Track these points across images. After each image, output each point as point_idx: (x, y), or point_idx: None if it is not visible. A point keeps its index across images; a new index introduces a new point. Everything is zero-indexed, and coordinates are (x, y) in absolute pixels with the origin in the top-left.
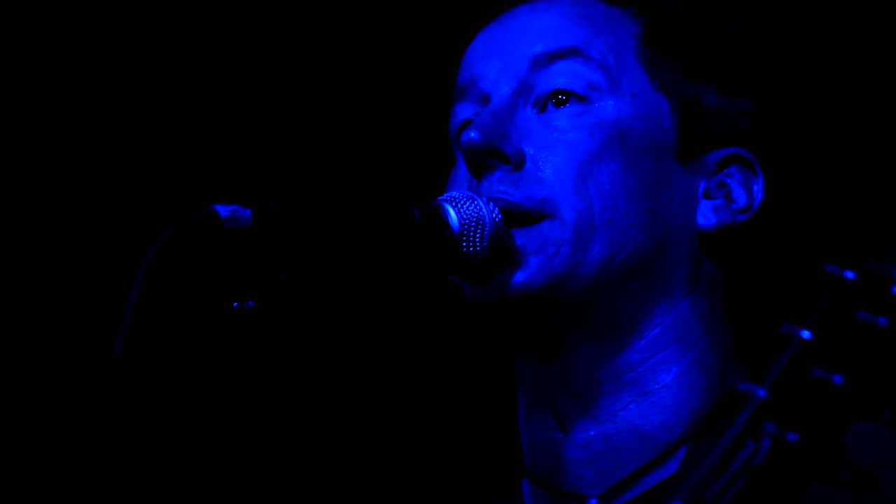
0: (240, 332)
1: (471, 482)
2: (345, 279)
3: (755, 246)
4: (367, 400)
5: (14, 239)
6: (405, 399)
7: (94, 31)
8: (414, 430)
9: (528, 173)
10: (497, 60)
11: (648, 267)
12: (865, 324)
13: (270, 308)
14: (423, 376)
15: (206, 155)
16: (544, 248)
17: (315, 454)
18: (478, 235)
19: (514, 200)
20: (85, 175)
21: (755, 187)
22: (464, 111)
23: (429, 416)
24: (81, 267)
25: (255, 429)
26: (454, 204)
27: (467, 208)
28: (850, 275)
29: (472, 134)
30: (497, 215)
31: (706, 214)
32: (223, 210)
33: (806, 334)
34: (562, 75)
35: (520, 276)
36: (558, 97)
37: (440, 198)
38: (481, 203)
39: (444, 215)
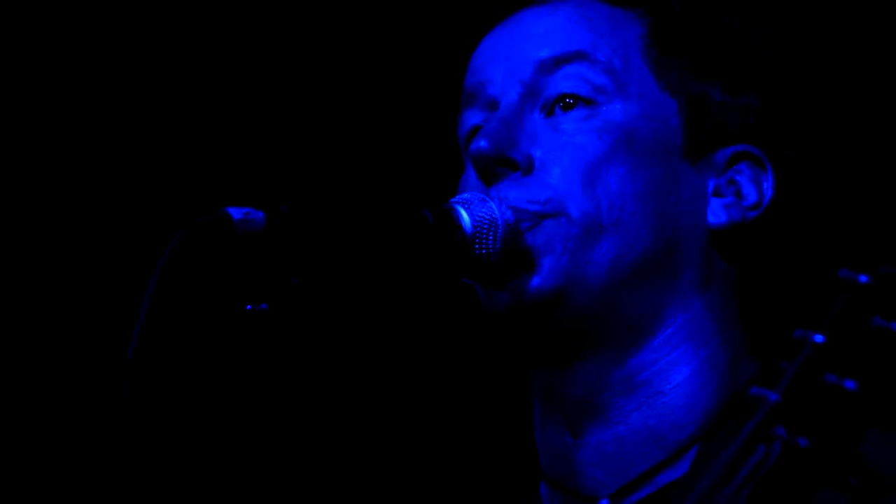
0: (252, 335)
1: (490, 486)
2: (357, 282)
3: (767, 243)
4: (382, 403)
5: (29, 241)
6: (421, 402)
7: (110, 38)
8: (431, 433)
9: (537, 178)
10: (503, 65)
11: (659, 267)
12: (880, 329)
13: (283, 310)
14: (439, 379)
15: (219, 157)
16: (552, 246)
17: (329, 456)
18: (490, 237)
19: (523, 206)
20: (99, 178)
21: (765, 184)
22: (472, 117)
23: (446, 419)
24: (95, 269)
25: (267, 431)
26: (466, 206)
27: (479, 210)
28: (864, 279)
29: (482, 143)
30: (509, 217)
31: (716, 212)
32: (236, 212)
33: (819, 338)
34: (568, 79)
35: (533, 281)
36: (565, 101)
37: (452, 200)
38: (493, 205)
39: (457, 217)
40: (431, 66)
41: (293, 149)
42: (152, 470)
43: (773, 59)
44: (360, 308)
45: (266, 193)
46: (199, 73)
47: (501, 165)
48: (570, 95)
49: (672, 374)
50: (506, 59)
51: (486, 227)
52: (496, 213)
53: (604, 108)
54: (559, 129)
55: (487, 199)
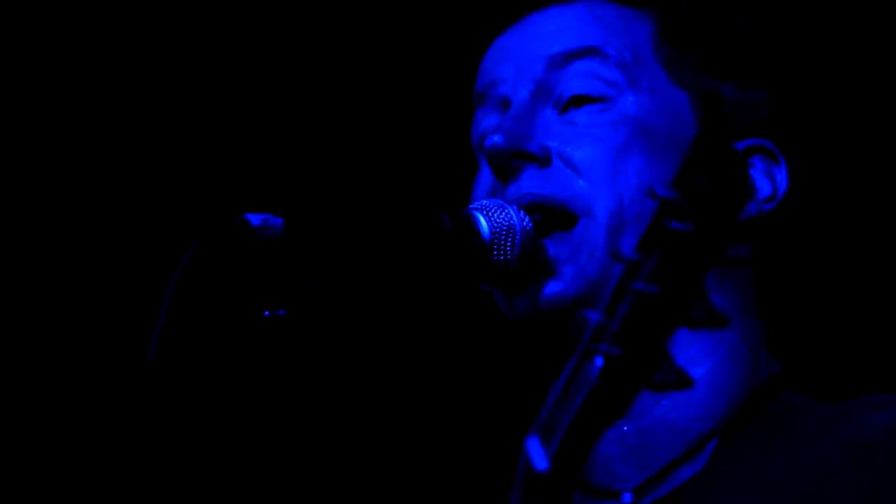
0: (271, 341)
1: (507, 485)
2: (375, 288)
3: (782, 235)
4: (398, 407)
5: (50, 249)
6: (437, 405)
7: (132, 50)
8: (449, 435)
9: (557, 168)
10: (514, 64)
11: None
12: (676, 232)
13: (301, 316)
14: (455, 382)
15: (239, 163)
16: (578, 256)
17: (346, 460)
18: (509, 243)
19: (546, 194)
20: (120, 186)
21: (779, 177)
22: (484, 117)
23: (463, 421)
24: (115, 275)
25: (285, 435)
26: (485, 212)
27: (498, 216)
28: (665, 194)
29: (496, 138)
30: (528, 224)
31: None
32: (254, 219)
33: (635, 257)
34: (580, 75)
35: (554, 287)
36: (578, 97)
37: (470, 206)
38: (512, 211)
39: (475, 224)
40: (447, 71)
41: (311, 155)
42: (171, 473)
43: (782, 54)
44: (377, 314)
45: (284, 199)
46: (220, 82)
47: (517, 159)
48: (584, 96)
49: (693, 368)
50: (516, 57)
51: (504, 233)
52: (515, 219)
53: (617, 102)
54: (574, 122)
55: (506, 205)
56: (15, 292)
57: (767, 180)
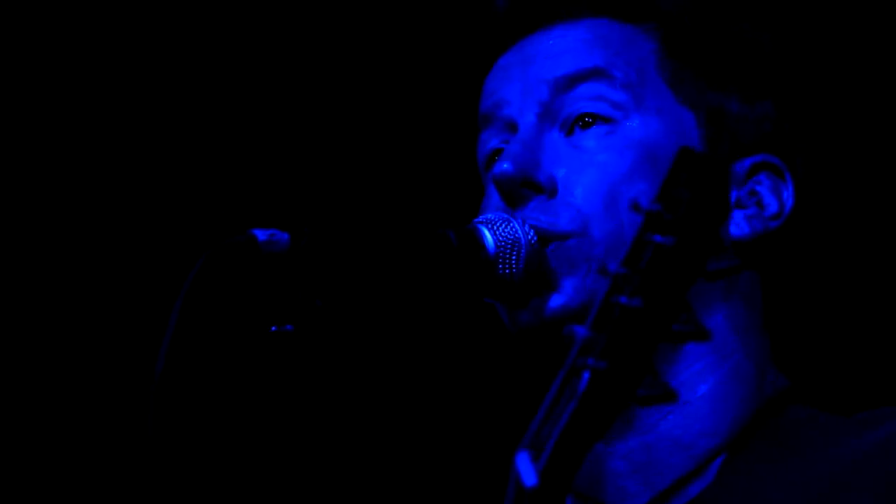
0: (277, 356)
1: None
2: (381, 302)
3: (789, 251)
4: (406, 422)
5: (59, 263)
6: (444, 420)
7: (138, 66)
8: (455, 450)
9: (561, 199)
10: (519, 85)
11: None
12: (658, 245)
13: (308, 331)
14: (461, 396)
15: (245, 179)
16: (576, 267)
17: (352, 473)
18: (514, 257)
19: (545, 227)
20: (127, 202)
21: (785, 193)
22: (490, 139)
23: (470, 437)
24: (122, 290)
25: (292, 451)
26: (490, 226)
27: (503, 230)
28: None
29: (505, 165)
30: (532, 237)
31: (739, 224)
32: (261, 234)
33: (621, 270)
34: (586, 97)
35: (556, 300)
36: (585, 119)
37: (476, 220)
38: (517, 225)
39: (480, 237)
40: (454, 86)
41: (318, 170)
42: (178, 488)
43: (785, 65)
44: (383, 330)
45: (291, 215)
46: (229, 97)
47: (526, 187)
48: (590, 115)
49: (698, 385)
50: (521, 79)
51: (509, 247)
52: (519, 233)
53: (624, 125)
54: (580, 146)
55: (511, 219)
56: (23, 307)
57: (774, 197)
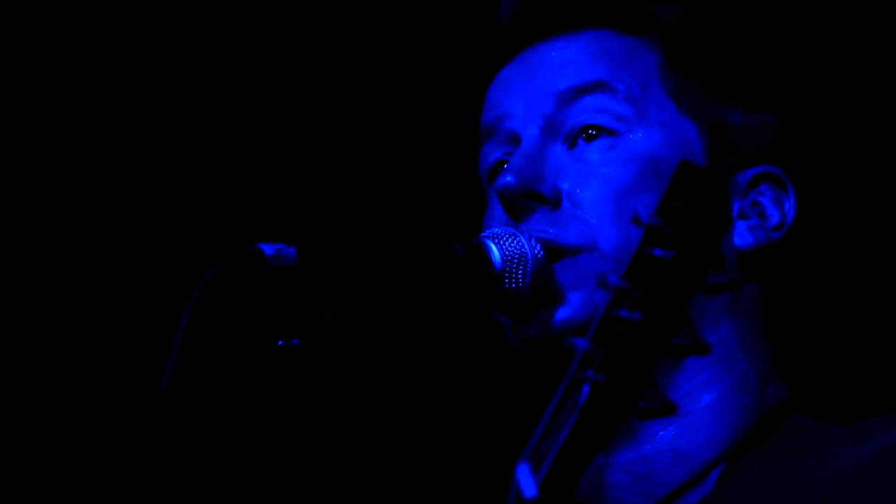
0: (285, 370)
1: None
2: (388, 316)
3: (791, 262)
4: (413, 435)
5: (65, 278)
6: (450, 432)
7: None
8: (462, 463)
9: (566, 211)
10: (521, 98)
11: None
12: (659, 259)
13: (315, 345)
14: (468, 409)
15: (252, 193)
16: (584, 282)
17: (359, 486)
18: (520, 271)
19: (553, 239)
20: (134, 216)
21: (787, 203)
22: (493, 151)
23: (475, 449)
24: (129, 305)
25: (300, 465)
26: (496, 241)
27: (509, 245)
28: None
29: (508, 178)
30: (539, 251)
31: (742, 235)
32: (268, 248)
33: (622, 283)
34: (590, 110)
35: (562, 313)
36: (588, 132)
37: (482, 235)
38: (523, 239)
39: (487, 252)
40: (459, 99)
41: (324, 184)
42: (187, 501)
43: (786, 76)
44: (390, 343)
45: (298, 229)
46: (237, 112)
47: (529, 200)
48: (593, 126)
49: (701, 396)
50: (524, 91)
51: (515, 261)
52: (526, 248)
53: (627, 137)
54: (584, 159)
55: (517, 233)
56: (28, 322)
57: (776, 207)
